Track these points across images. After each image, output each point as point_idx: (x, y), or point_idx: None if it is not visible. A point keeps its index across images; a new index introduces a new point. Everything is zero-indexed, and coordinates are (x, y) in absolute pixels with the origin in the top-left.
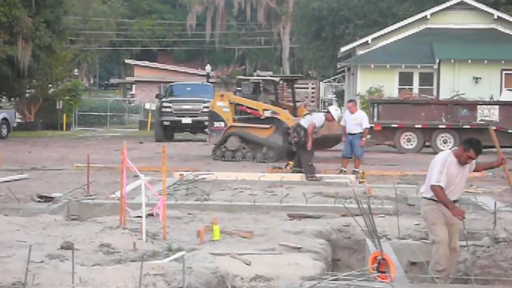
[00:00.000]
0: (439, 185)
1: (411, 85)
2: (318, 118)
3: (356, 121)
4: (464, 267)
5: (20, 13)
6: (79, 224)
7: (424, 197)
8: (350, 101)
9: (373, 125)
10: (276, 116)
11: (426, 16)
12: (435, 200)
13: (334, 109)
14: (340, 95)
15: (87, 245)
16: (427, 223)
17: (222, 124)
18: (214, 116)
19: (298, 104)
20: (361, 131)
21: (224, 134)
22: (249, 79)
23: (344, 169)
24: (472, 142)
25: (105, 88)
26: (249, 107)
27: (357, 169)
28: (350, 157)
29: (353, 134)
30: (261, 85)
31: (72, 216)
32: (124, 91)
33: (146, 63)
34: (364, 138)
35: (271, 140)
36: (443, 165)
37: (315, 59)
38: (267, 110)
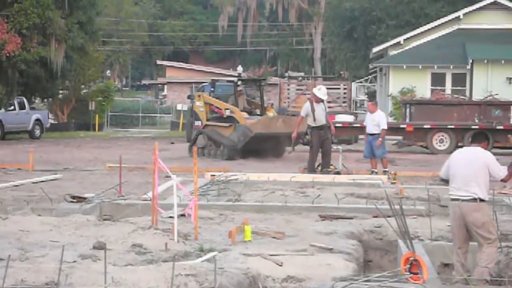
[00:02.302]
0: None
1: (444, 86)
2: (303, 108)
3: (375, 122)
4: (497, 268)
5: (53, 15)
6: (111, 224)
7: (483, 200)
8: (370, 101)
9: (405, 126)
10: (232, 115)
11: (458, 16)
12: None
13: (317, 89)
14: (372, 96)
15: (119, 245)
16: (487, 225)
17: (200, 123)
18: (195, 116)
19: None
20: (380, 132)
21: (196, 132)
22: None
23: (375, 170)
24: (487, 136)
25: (137, 89)
26: (217, 107)
27: (386, 169)
28: (373, 157)
29: (373, 134)
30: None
31: (104, 216)
32: (156, 92)
33: (178, 64)
34: (380, 139)
35: (227, 138)
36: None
37: (347, 59)
38: (227, 109)
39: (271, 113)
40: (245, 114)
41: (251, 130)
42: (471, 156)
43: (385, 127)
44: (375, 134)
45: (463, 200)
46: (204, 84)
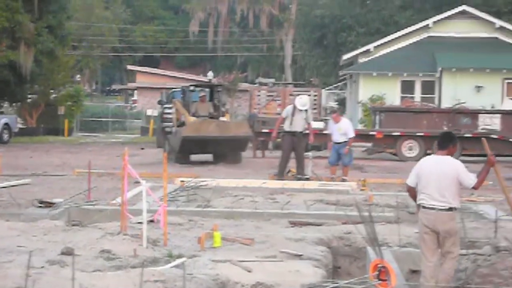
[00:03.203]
0: (475, 179)
1: (413, 94)
2: (285, 109)
3: (341, 130)
4: (464, 275)
5: (23, 18)
6: (80, 230)
7: (455, 209)
8: (333, 112)
9: (375, 132)
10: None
11: (428, 24)
12: None
13: (298, 98)
14: (342, 103)
15: (87, 251)
16: (457, 235)
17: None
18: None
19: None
20: (347, 140)
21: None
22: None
23: (334, 176)
24: (453, 136)
25: (107, 94)
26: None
27: (345, 177)
28: (337, 164)
29: (339, 143)
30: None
31: (73, 222)
32: (126, 97)
33: (148, 69)
34: (347, 147)
35: (172, 143)
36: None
37: (317, 66)
38: (183, 115)
39: (225, 119)
40: (193, 119)
41: (181, 134)
42: (442, 167)
43: (353, 135)
44: (341, 142)
45: (439, 209)
46: (174, 90)
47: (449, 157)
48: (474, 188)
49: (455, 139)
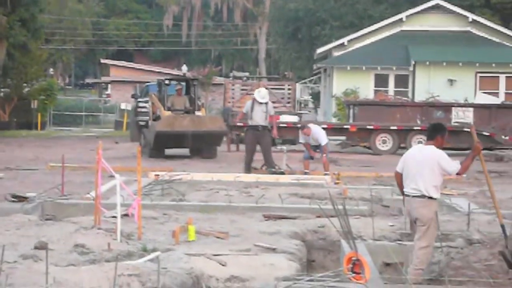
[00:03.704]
0: (458, 166)
1: (387, 87)
2: (245, 105)
3: (317, 141)
4: (438, 268)
5: None
6: (54, 224)
7: (431, 197)
8: (302, 128)
9: (349, 126)
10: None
11: (401, 18)
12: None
13: (257, 91)
14: (316, 97)
15: (61, 245)
16: (432, 224)
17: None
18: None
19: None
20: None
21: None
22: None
23: (308, 171)
24: (442, 127)
25: (80, 87)
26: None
27: (327, 172)
28: (312, 159)
29: (317, 145)
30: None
31: (46, 216)
32: (100, 91)
33: (122, 63)
34: (324, 155)
35: (147, 138)
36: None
37: (291, 60)
38: (158, 108)
39: (200, 113)
40: (168, 113)
41: (154, 128)
42: (421, 154)
43: (326, 141)
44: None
45: (412, 196)
46: (148, 83)
47: (432, 146)
48: (459, 174)
49: (443, 130)
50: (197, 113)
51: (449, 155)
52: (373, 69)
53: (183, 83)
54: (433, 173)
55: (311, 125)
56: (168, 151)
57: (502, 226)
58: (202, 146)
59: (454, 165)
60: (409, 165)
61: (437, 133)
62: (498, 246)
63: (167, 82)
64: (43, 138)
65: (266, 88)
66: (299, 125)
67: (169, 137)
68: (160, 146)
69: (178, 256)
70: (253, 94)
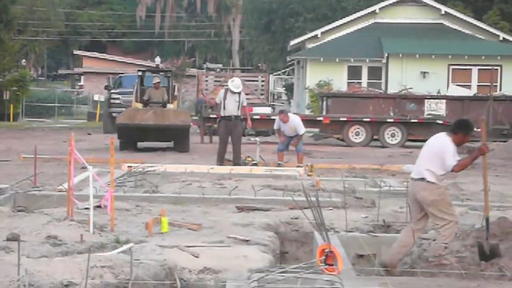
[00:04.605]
0: (457, 162)
1: (360, 79)
2: (218, 94)
3: (293, 130)
4: (410, 260)
5: None
6: (26, 216)
7: (429, 181)
8: (280, 112)
9: (322, 118)
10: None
11: (375, 10)
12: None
13: (230, 81)
14: (289, 88)
15: (33, 237)
16: (439, 206)
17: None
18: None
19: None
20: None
21: None
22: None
23: (281, 163)
24: (468, 124)
25: (53, 79)
26: None
27: (301, 165)
28: (285, 150)
29: (292, 137)
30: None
31: (18, 208)
32: (73, 82)
33: (95, 54)
34: (300, 150)
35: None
36: (454, 148)
37: (265, 52)
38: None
39: (172, 106)
40: (138, 106)
41: (116, 121)
42: (433, 141)
43: (303, 131)
44: (294, 136)
45: (414, 180)
46: (121, 75)
47: (444, 134)
48: (454, 170)
49: (465, 128)
50: (169, 105)
51: (421, 147)
52: (346, 61)
53: (162, 75)
54: (432, 158)
55: (290, 115)
56: (143, 144)
57: (487, 219)
58: (165, 140)
59: (454, 160)
60: (421, 150)
61: (459, 129)
62: (470, 238)
63: (148, 74)
64: (15, 129)
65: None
66: (272, 117)
67: (130, 130)
68: (125, 138)
69: (151, 248)
70: (226, 85)
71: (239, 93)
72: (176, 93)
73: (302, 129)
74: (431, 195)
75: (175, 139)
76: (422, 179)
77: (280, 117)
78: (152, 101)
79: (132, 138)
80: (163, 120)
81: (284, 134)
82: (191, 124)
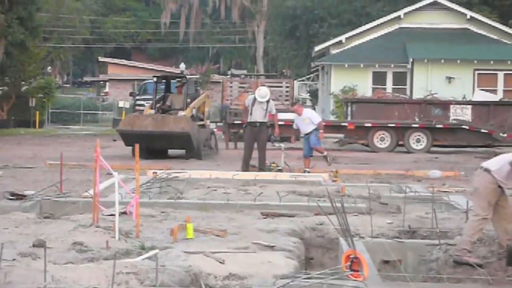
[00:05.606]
0: None
1: (385, 85)
2: (247, 98)
3: (306, 121)
4: (436, 265)
5: None
6: (52, 222)
7: (488, 170)
8: (294, 104)
9: (347, 124)
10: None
11: (399, 16)
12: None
13: (257, 90)
14: (314, 94)
15: (59, 243)
16: (477, 193)
17: None
18: None
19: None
20: (315, 127)
21: None
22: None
23: (307, 169)
24: None
25: (78, 86)
26: None
27: (307, 169)
28: (312, 156)
29: (309, 133)
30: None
31: (44, 214)
32: (98, 89)
33: (120, 61)
34: (321, 131)
35: None
36: None
37: (289, 58)
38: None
39: (183, 113)
40: (149, 111)
41: (117, 127)
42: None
43: (319, 119)
44: (310, 132)
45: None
46: (146, 81)
47: None
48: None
49: None
50: (181, 112)
51: (446, 153)
52: (371, 67)
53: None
54: (505, 165)
55: (304, 108)
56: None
57: None
58: (169, 146)
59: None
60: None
61: None
62: (496, 244)
63: (155, 79)
64: (41, 136)
65: (266, 86)
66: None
67: (130, 136)
68: (129, 145)
69: (176, 254)
70: (251, 92)
71: (267, 101)
72: (203, 99)
73: (317, 118)
74: (478, 183)
75: (179, 146)
76: (481, 167)
77: (294, 108)
78: (174, 108)
79: (136, 145)
80: (162, 127)
81: (300, 132)
82: (190, 131)
